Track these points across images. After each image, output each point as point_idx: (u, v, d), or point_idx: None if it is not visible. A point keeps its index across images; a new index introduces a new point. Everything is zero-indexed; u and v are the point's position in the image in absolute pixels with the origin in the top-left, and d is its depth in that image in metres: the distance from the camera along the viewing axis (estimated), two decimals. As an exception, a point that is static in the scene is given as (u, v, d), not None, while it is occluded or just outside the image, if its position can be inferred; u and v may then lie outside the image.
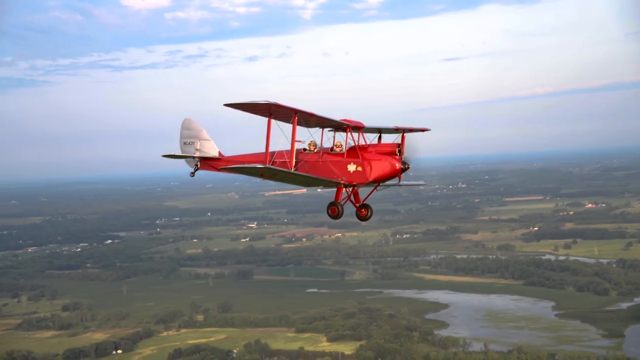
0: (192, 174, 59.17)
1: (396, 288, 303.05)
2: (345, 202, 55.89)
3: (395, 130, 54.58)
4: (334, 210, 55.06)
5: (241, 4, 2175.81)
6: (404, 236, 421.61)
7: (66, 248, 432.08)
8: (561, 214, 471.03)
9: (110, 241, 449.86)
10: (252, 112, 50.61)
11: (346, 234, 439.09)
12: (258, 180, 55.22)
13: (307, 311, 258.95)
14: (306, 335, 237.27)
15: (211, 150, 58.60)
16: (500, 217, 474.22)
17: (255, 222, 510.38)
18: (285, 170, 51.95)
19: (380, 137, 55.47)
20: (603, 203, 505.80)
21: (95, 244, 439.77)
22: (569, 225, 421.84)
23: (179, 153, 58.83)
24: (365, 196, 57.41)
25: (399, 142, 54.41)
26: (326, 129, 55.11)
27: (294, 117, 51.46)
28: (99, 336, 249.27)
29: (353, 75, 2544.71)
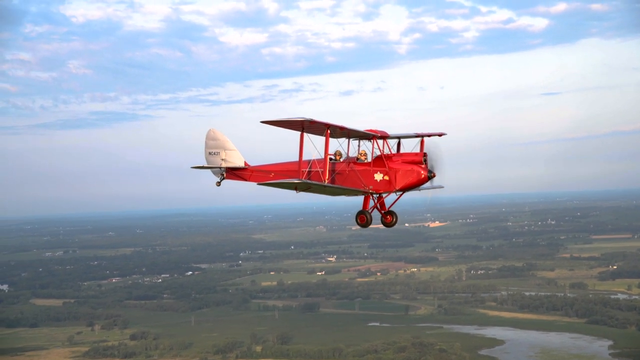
0: (218, 184, 61.61)
1: (457, 323, 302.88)
2: (372, 210, 58.37)
3: (415, 136, 57.27)
4: (362, 219, 57.77)
5: (337, 39, 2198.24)
6: (479, 272, 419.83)
7: (148, 279, 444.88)
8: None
9: (190, 273, 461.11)
10: (286, 128, 53.44)
11: (422, 269, 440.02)
12: (295, 193, 56.65)
13: (361, 344, 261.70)
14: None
15: (237, 160, 61.20)
16: (581, 254, 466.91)
17: (335, 256, 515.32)
18: (319, 183, 54.73)
19: (399, 144, 58.04)
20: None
21: (176, 275, 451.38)
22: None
23: (205, 164, 61.48)
24: (391, 203, 59.79)
25: (419, 147, 56.73)
26: (352, 139, 57.71)
27: (327, 131, 54.13)
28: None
29: (448, 109, 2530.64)
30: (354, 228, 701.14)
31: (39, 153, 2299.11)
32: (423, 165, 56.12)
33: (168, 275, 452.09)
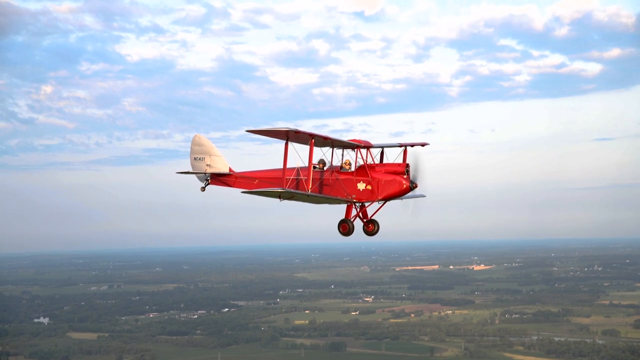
0: (203, 189, 64.19)
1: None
2: (355, 219, 60.76)
3: (399, 145, 59.55)
4: (345, 228, 59.98)
5: (387, 81, 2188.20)
6: (513, 316, 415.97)
7: (184, 315, 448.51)
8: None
9: (227, 309, 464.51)
10: (271, 137, 56.01)
11: (456, 311, 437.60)
12: (278, 201, 58.68)
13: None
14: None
15: (222, 166, 63.41)
16: (621, 302, 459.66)
17: (372, 297, 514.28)
18: (302, 192, 57.02)
19: (382, 154, 60.55)
20: None
21: (212, 312, 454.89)
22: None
23: (190, 170, 63.75)
24: (373, 212, 62.08)
25: (402, 157, 59.24)
26: (335, 148, 60.19)
27: (311, 141, 56.48)
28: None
29: (499, 152, 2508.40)
30: (397, 269, 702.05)
31: (93, 188, 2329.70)
32: (405, 176, 58.10)
33: (204, 312, 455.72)
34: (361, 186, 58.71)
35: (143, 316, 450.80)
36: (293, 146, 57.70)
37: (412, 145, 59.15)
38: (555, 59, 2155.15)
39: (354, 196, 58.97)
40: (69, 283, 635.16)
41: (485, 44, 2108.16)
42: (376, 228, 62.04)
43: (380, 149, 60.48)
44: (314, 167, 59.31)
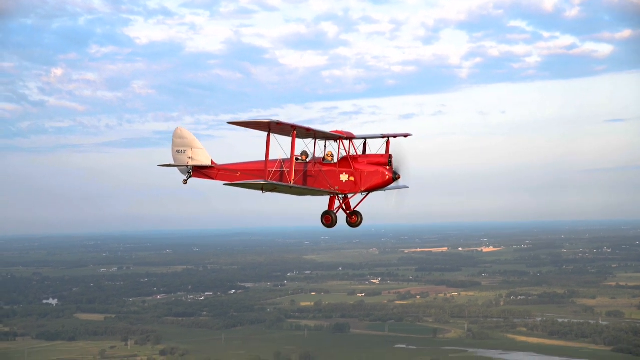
0: (185, 182, 63.13)
1: (482, 347, 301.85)
2: (338, 210, 59.80)
3: (382, 136, 59.00)
4: (328, 219, 59.18)
5: (397, 63, 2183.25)
6: (518, 298, 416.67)
7: (191, 296, 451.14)
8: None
9: (234, 291, 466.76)
10: (253, 129, 55.70)
11: (462, 293, 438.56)
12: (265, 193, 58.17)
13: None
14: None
15: (204, 158, 62.26)
16: (628, 283, 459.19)
17: (379, 278, 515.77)
18: (285, 184, 56.79)
19: (365, 145, 59.67)
20: None
21: (219, 294, 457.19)
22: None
23: (172, 162, 62.66)
24: (356, 204, 60.85)
25: (385, 148, 58.22)
26: (318, 140, 59.34)
27: (293, 132, 55.93)
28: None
29: (510, 134, 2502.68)
30: (406, 251, 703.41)
31: (103, 171, 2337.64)
32: (388, 167, 57.52)
33: (211, 294, 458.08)
34: (344, 177, 58.22)
35: (150, 298, 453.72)
36: (275, 138, 57.48)
37: (394, 137, 58.96)
38: (566, 40, 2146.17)
39: (337, 188, 58.36)
40: (79, 265, 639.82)
41: (495, 26, 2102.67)
42: (359, 220, 61.34)
43: (363, 140, 60.14)
44: (297, 159, 58.86)
